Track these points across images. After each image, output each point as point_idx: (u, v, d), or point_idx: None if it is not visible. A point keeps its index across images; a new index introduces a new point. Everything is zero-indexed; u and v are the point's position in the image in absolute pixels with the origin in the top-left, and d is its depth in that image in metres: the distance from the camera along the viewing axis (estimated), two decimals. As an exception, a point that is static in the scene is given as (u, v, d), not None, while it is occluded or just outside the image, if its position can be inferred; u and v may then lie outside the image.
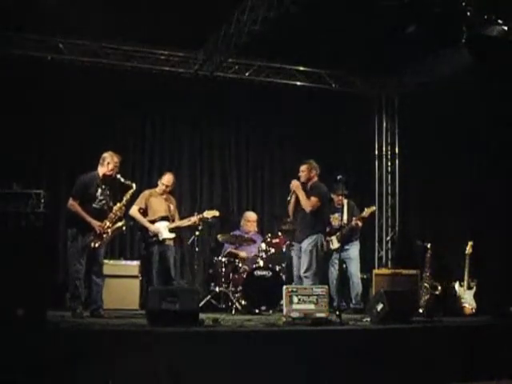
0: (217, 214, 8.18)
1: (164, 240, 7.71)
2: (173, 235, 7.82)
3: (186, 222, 8.02)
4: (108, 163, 6.89)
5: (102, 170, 6.91)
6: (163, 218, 7.79)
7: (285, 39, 8.19)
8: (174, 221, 7.89)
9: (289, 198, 7.45)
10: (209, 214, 8.11)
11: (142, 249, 7.91)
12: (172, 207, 7.95)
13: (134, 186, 7.03)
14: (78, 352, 4.50)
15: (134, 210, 7.83)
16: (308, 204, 7.19)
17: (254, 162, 10.18)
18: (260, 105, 9.81)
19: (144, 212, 7.85)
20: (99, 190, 6.84)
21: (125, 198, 7.00)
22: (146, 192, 7.95)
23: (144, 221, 7.77)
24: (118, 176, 6.92)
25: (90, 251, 6.74)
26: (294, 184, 7.33)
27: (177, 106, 9.52)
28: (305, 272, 7.09)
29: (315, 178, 7.42)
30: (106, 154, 6.95)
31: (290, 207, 7.49)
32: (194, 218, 8.00)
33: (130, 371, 4.57)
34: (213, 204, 9.34)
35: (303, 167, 7.41)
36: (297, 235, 7.45)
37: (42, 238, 5.96)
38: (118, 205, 6.92)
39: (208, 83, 9.44)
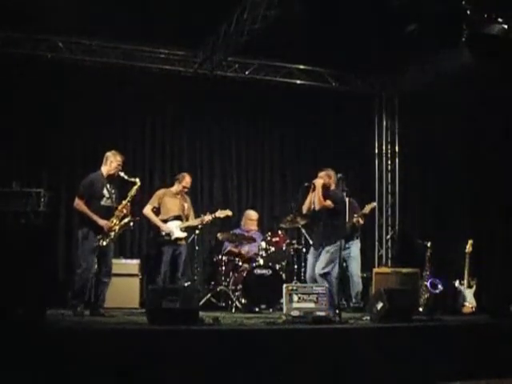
0: (230, 213, 8.23)
1: (176, 239, 7.74)
2: (185, 234, 7.86)
3: (197, 222, 8.02)
4: (111, 162, 6.94)
5: (105, 169, 6.96)
6: (176, 218, 7.82)
7: (285, 38, 8.18)
8: (187, 220, 7.92)
9: (306, 184, 7.44)
10: (222, 213, 8.15)
11: (152, 248, 7.91)
12: (186, 206, 7.99)
13: (138, 181, 7.04)
14: (78, 352, 4.50)
15: (147, 210, 7.87)
16: (319, 203, 7.19)
17: (254, 161, 10.17)
18: (260, 104, 9.81)
19: (157, 211, 7.88)
20: (105, 189, 6.87)
21: (129, 195, 7.00)
22: (161, 191, 8.00)
23: (156, 220, 7.81)
24: (122, 174, 6.96)
25: (100, 251, 6.75)
26: (319, 181, 7.33)
27: (177, 105, 9.51)
28: (321, 270, 7.09)
29: (333, 186, 7.44)
30: (108, 153, 6.99)
31: (306, 203, 7.46)
32: (207, 218, 8.01)
33: (130, 370, 4.57)
34: (212, 204, 9.35)
35: (321, 174, 7.42)
36: (317, 240, 7.40)
37: (42, 237, 5.97)
38: (124, 202, 6.94)
39: (208, 82, 9.44)
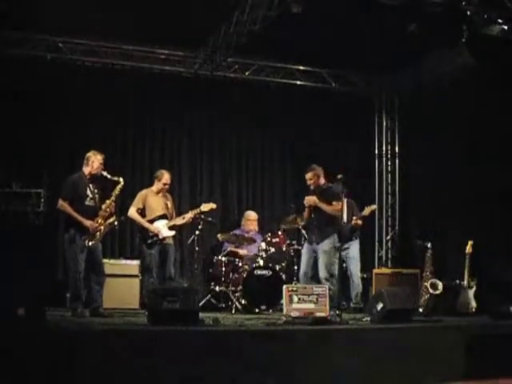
0: (214, 206, 8.12)
1: (164, 238, 7.72)
2: (173, 233, 7.81)
3: (182, 220, 7.98)
4: (93, 162, 6.91)
5: (87, 170, 6.93)
6: (161, 217, 7.78)
7: (285, 39, 8.19)
8: (172, 218, 7.89)
9: (305, 214, 7.38)
10: (206, 207, 8.03)
11: (142, 249, 7.88)
12: (169, 205, 7.94)
13: (121, 180, 7.00)
14: (78, 352, 4.49)
15: (132, 212, 7.83)
16: (335, 211, 7.10)
17: (254, 161, 10.18)
18: (260, 104, 9.81)
19: (142, 212, 7.85)
20: (88, 189, 6.85)
21: (114, 194, 6.98)
22: (143, 192, 7.93)
23: (143, 221, 7.77)
24: (105, 173, 6.93)
25: (88, 251, 6.74)
26: (311, 200, 7.24)
27: (177, 106, 9.52)
28: (325, 273, 7.06)
29: (323, 181, 7.41)
30: (89, 154, 6.96)
31: (305, 216, 7.43)
32: (190, 214, 7.97)
33: (130, 371, 4.57)
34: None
35: (309, 175, 7.35)
36: (311, 237, 7.38)
37: (42, 237, 5.96)
38: (108, 201, 6.92)
39: (208, 83, 9.44)
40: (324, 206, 7.19)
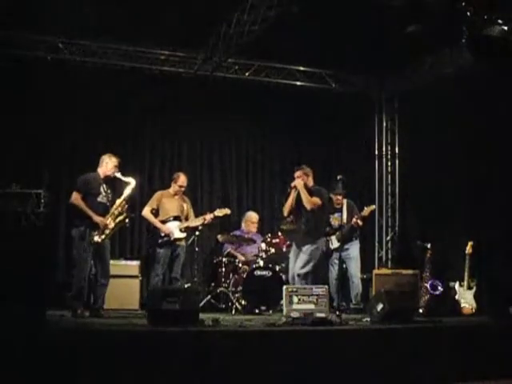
0: (228, 212, 8.28)
1: (175, 240, 7.75)
2: (184, 235, 7.90)
3: (197, 222, 8.03)
4: (107, 163, 7.03)
5: (102, 171, 7.03)
6: (175, 218, 7.85)
7: (285, 39, 8.19)
8: (187, 220, 7.94)
9: (289, 191, 7.43)
10: (221, 212, 8.18)
11: (152, 249, 7.90)
12: (185, 207, 8.03)
13: (133, 181, 7.08)
14: (78, 352, 4.49)
15: (146, 211, 7.92)
16: (310, 202, 7.22)
17: (254, 161, 10.18)
18: (260, 105, 9.80)
19: (156, 212, 7.91)
20: (102, 187, 6.93)
21: (125, 193, 7.04)
22: (159, 193, 8.06)
23: (156, 221, 7.85)
24: (118, 175, 7.01)
25: (97, 251, 6.75)
26: (299, 183, 7.33)
27: (177, 106, 9.51)
28: (300, 269, 7.10)
29: (312, 182, 7.47)
30: (104, 156, 7.10)
31: (287, 205, 7.48)
32: (204, 218, 8.02)
33: (130, 371, 4.57)
34: (212, 205, 9.34)
35: (298, 173, 7.47)
36: (298, 239, 7.42)
37: (42, 238, 5.96)
38: (119, 200, 6.99)
39: (208, 83, 9.44)
40: (304, 193, 7.25)
